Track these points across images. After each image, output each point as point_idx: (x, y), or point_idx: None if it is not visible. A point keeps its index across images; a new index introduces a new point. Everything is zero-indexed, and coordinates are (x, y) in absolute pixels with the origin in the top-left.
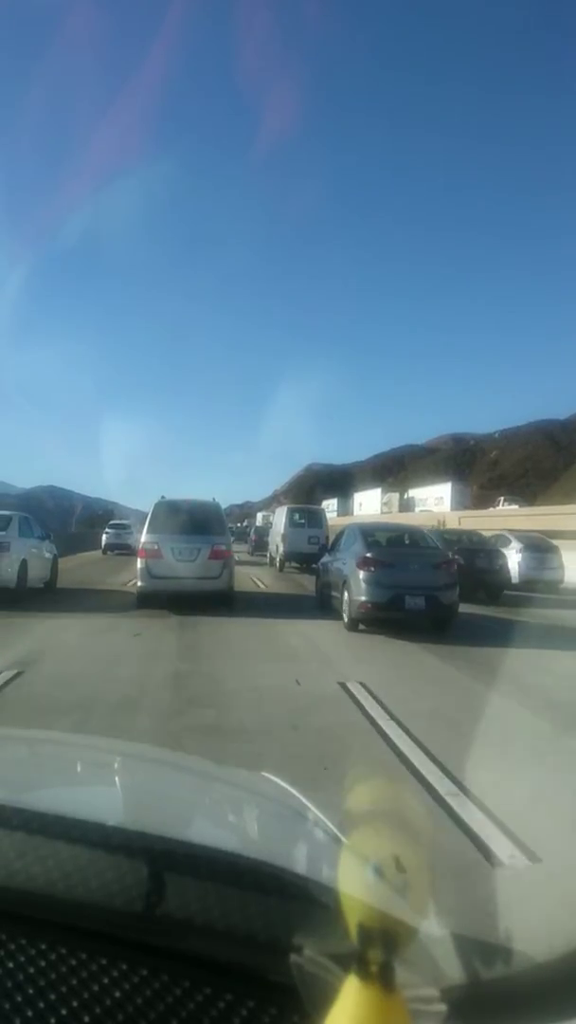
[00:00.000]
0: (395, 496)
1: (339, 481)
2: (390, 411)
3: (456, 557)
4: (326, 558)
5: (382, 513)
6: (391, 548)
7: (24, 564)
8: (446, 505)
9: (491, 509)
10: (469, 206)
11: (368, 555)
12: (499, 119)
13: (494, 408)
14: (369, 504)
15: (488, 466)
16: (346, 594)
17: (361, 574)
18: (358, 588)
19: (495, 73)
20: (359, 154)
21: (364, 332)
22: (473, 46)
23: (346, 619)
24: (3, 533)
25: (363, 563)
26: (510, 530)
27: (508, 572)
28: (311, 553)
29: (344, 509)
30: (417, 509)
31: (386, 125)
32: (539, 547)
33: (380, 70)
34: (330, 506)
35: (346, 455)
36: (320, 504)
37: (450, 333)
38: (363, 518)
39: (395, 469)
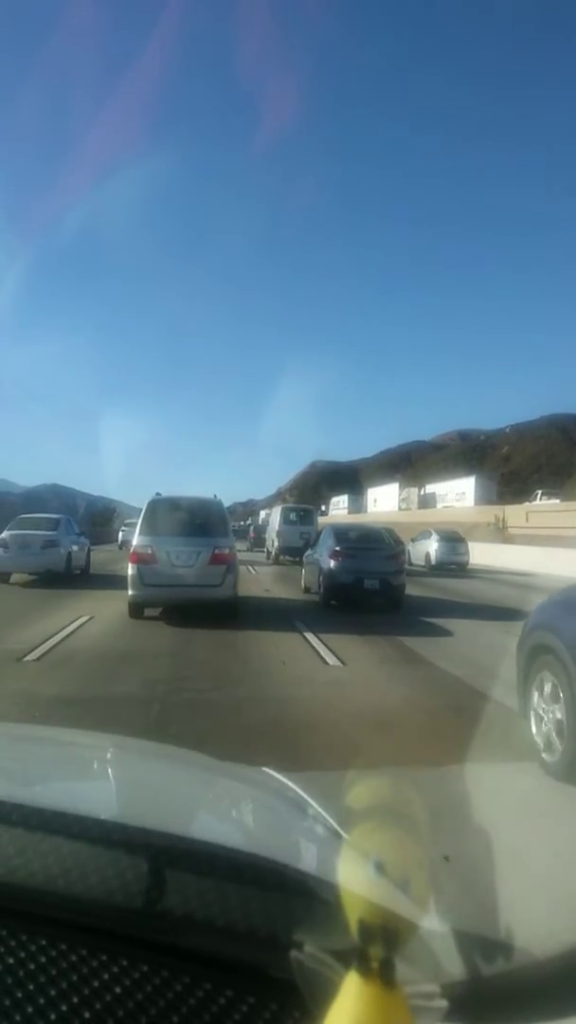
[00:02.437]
0: (413, 491)
1: (344, 478)
2: (395, 407)
3: None
4: (309, 551)
5: (400, 510)
6: (356, 543)
7: (69, 555)
8: (469, 500)
9: (555, 503)
10: (474, 198)
11: (337, 548)
12: (507, 110)
13: (503, 402)
14: (385, 500)
15: (499, 462)
16: (321, 578)
17: (332, 563)
18: (329, 573)
19: (500, 68)
20: (362, 149)
21: (367, 327)
22: (476, 41)
23: (319, 597)
24: (54, 532)
25: (333, 554)
26: (433, 525)
27: (408, 554)
28: (302, 547)
29: (356, 506)
30: (439, 505)
31: (390, 119)
32: (452, 538)
33: (383, 65)
34: (340, 503)
35: (351, 452)
36: (330, 502)
37: (455, 327)
38: (378, 516)
39: (402, 466)
